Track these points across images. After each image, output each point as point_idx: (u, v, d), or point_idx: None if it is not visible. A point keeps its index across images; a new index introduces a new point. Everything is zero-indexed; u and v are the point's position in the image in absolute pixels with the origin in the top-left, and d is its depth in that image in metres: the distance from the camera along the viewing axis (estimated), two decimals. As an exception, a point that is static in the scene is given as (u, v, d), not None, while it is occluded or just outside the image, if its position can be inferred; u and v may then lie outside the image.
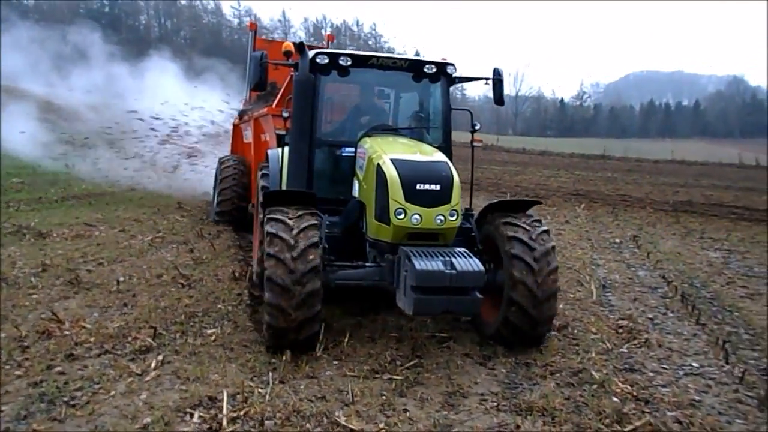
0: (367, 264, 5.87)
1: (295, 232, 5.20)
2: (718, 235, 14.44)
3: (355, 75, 6.56)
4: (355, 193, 6.26)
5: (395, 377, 5.01)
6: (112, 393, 4.48)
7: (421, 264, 4.99)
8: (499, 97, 6.96)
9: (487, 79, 6.91)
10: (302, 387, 4.73)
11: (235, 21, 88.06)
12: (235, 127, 13.39)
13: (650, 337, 6.39)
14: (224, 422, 4.08)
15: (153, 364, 5.01)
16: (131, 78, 22.47)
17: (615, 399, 4.71)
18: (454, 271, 4.98)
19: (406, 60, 6.56)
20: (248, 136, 11.69)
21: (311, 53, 6.36)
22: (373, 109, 7.31)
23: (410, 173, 5.47)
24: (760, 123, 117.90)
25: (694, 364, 5.77)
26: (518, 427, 4.17)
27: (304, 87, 6.07)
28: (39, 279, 7.34)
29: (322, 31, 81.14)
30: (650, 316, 7.34)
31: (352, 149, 6.42)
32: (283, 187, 6.54)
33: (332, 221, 6.16)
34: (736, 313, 7.58)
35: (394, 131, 6.67)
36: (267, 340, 5.34)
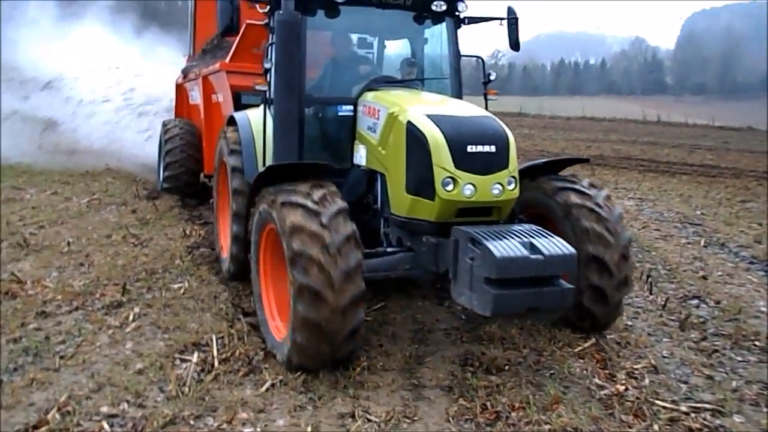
0: (388, 249, 4.84)
1: (325, 220, 4.02)
2: (629, 185, 15.60)
3: (345, 16, 5.44)
4: (360, 160, 5.23)
5: (365, 318, 5.37)
6: (98, 344, 4.62)
7: (499, 249, 3.84)
8: (515, 40, 5.96)
9: (501, 19, 5.86)
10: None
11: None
12: (179, 86, 11.88)
13: (584, 275, 7.06)
14: (216, 363, 4.33)
15: (130, 317, 5.14)
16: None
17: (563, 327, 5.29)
18: (540, 257, 3.90)
19: None
20: (195, 96, 10.57)
21: None
22: (363, 58, 6.21)
23: (458, 132, 4.42)
24: (660, 81, 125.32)
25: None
26: (483, 353, 4.65)
27: (291, 29, 4.86)
28: (-16, 242, 7.16)
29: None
30: (581, 257, 8.04)
31: (350, 107, 5.36)
32: (268, 158, 5.43)
33: None
34: (654, 252, 8.42)
35: (399, 84, 5.63)
36: (295, 360, 4.13)
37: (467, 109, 4.92)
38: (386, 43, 6.43)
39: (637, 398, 4.03)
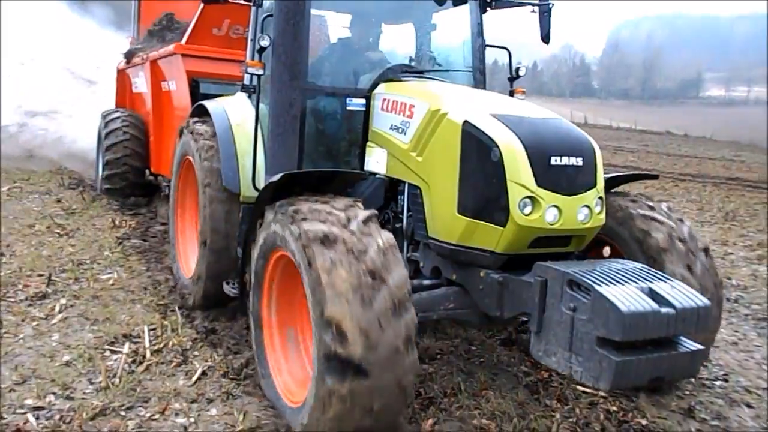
0: (425, 282, 3.88)
1: (369, 260, 2.97)
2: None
3: None
4: (375, 167, 4.30)
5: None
6: (21, 336, 4.45)
7: (622, 300, 2.79)
8: (547, 32, 5.08)
9: (533, 5, 5.04)
10: (211, 317, 4.99)
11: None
12: (120, 72, 10.46)
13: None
14: (148, 354, 4.26)
15: (57, 308, 4.98)
16: None
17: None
18: (671, 311, 2.88)
19: None
20: (139, 84, 9.38)
21: None
22: (368, 43, 5.27)
23: (539, 139, 3.42)
24: (587, 84, 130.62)
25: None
26: (417, 343, 4.56)
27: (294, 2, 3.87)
28: None
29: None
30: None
31: (361, 101, 4.44)
32: (259, 163, 4.47)
33: None
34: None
35: (420, 75, 4.65)
36: None
37: (532, 108, 3.87)
38: (383, 28, 5.39)
39: (560, 384, 4.23)
